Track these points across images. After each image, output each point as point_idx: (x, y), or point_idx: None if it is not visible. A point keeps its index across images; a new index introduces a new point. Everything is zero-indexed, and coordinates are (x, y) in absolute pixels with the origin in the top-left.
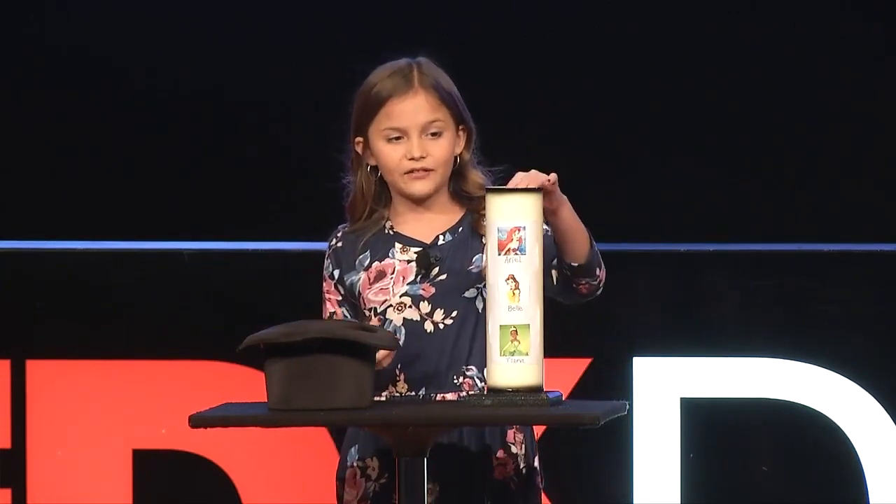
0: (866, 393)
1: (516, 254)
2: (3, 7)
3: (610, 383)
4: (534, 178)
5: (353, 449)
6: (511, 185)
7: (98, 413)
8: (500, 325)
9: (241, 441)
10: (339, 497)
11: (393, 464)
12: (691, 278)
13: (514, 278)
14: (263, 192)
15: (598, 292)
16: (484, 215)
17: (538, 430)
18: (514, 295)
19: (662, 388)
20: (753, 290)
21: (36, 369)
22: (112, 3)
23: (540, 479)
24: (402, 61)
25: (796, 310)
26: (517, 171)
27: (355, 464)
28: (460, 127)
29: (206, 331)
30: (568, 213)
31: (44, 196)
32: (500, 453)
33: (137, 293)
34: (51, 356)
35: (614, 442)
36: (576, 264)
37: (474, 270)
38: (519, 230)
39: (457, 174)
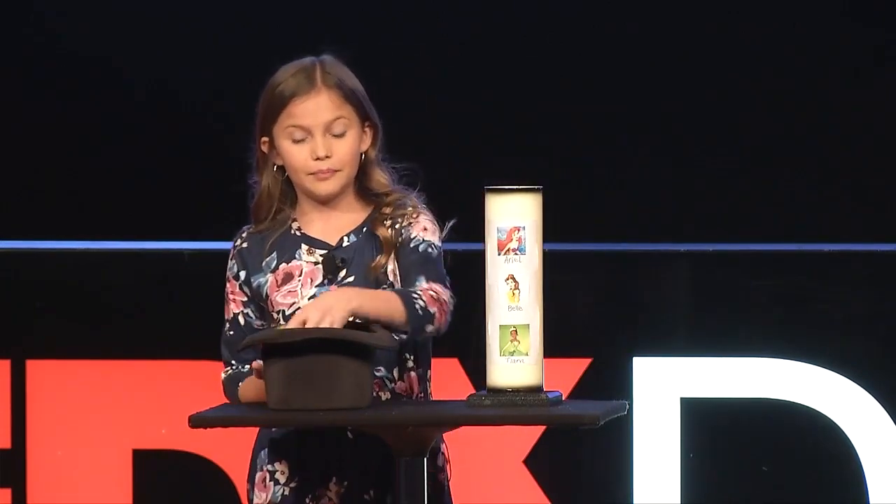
0: (866, 393)
1: (516, 254)
2: (2, 7)
3: (610, 383)
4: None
5: (262, 452)
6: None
7: (98, 413)
8: (500, 325)
9: (241, 441)
10: (250, 500)
11: (301, 468)
12: (691, 278)
13: (513, 278)
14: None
15: (446, 326)
16: (385, 214)
17: (538, 430)
18: (513, 295)
19: (662, 388)
20: (753, 290)
21: (36, 369)
22: (113, 4)
23: (447, 479)
24: (307, 60)
25: (796, 310)
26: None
27: (265, 467)
28: (366, 124)
29: (207, 331)
30: (368, 308)
31: (44, 196)
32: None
33: (137, 293)
34: (51, 356)
35: (614, 442)
36: (404, 337)
37: (380, 270)
38: (518, 230)
39: (361, 172)
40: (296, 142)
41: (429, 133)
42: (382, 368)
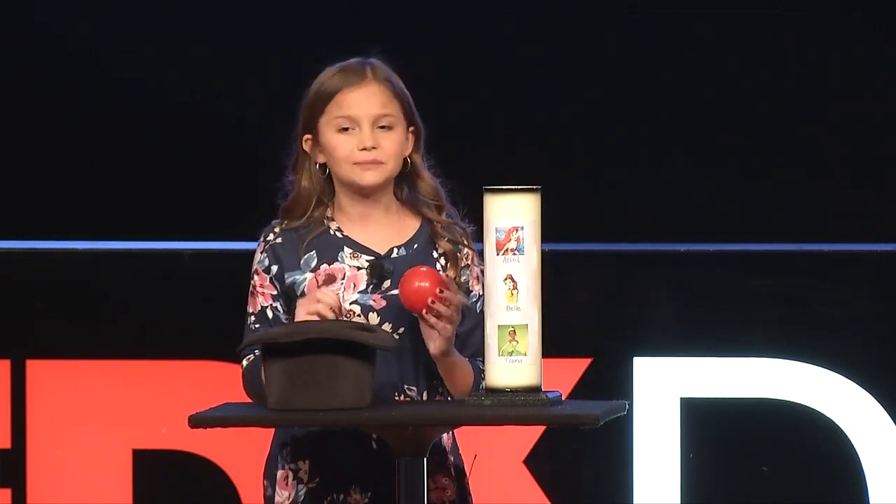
0: (866, 393)
1: (514, 254)
2: (2, 7)
3: (610, 383)
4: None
5: (285, 450)
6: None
7: (98, 413)
8: (499, 326)
9: (241, 441)
10: (268, 498)
11: (324, 466)
12: (691, 278)
13: (511, 278)
14: (263, 192)
15: None
16: (440, 232)
17: (538, 430)
18: (511, 295)
19: (662, 388)
20: (753, 290)
21: (36, 369)
22: (113, 4)
23: (471, 500)
24: (354, 60)
25: (796, 310)
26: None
27: (287, 466)
28: (410, 129)
29: (206, 331)
30: (456, 365)
31: (44, 196)
32: (440, 477)
33: (137, 293)
34: (51, 356)
35: (614, 442)
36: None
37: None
38: (517, 230)
39: (409, 178)
40: (342, 131)
41: (428, 133)
42: (414, 388)
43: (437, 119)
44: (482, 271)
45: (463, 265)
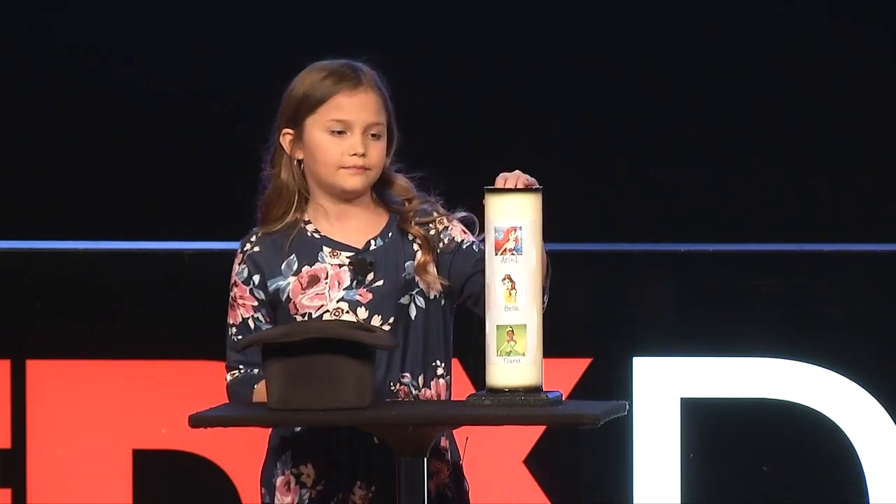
0: (866, 393)
1: (513, 254)
2: (2, 8)
3: (610, 383)
4: (518, 178)
5: (285, 455)
6: (498, 184)
7: (98, 413)
8: (497, 326)
9: (241, 441)
10: None
11: (328, 471)
12: (691, 278)
13: (510, 278)
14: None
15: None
16: (410, 217)
17: (538, 430)
18: (510, 295)
19: (662, 388)
20: (753, 290)
21: (36, 369)
22: (114, 4)
23: (466, 484)
24: (344, 62)
25: (796, 310)
26: (500, 173)
27: (289, 471)
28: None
29: (206, 331)
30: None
31: (44, 196)
32: (434, 462)
33: (137, 293)
34: (51, 356)
35: (614, 442)
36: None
37: (406, 277)
38: (516, 230)
39: (381, 180)
40: (333, 134)
41: (429, 133)
42: (408, 375)
43: (436, 118)
44: (465, 226)
45: (441, 228)
